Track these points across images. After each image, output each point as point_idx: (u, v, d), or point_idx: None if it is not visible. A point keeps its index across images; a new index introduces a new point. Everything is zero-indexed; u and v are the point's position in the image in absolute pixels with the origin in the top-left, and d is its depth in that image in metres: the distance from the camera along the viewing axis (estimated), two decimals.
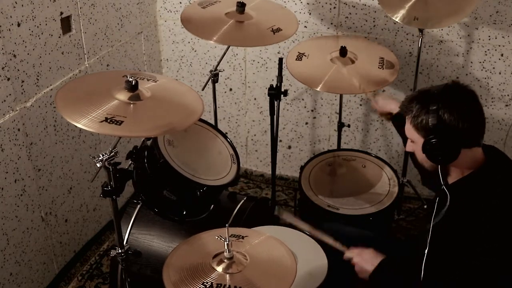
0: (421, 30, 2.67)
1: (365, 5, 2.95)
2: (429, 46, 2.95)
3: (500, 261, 1.71)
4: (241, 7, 2.49)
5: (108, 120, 1.68)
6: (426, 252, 1.83)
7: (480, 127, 1.78)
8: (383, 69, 2.58)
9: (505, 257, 1.71)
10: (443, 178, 1.83)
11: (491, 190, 1.77)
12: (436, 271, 1.79)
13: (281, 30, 2.48)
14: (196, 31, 2.43)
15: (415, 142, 1.83)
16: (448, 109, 1.72)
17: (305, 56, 2.62)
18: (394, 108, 2.33)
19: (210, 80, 2.71)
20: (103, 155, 1.80)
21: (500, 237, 1.70)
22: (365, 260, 1.95)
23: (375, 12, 2.95)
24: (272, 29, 2.46)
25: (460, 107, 1.73)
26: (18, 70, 2.31)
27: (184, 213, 2.23)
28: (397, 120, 2.30)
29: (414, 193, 3.13)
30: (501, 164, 1.84)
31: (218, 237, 1.76)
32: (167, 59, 3.42)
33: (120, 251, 2.01)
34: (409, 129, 1.83)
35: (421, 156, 1.83)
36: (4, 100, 2.27)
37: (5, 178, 2.33)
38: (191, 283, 1.65)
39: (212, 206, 2.28)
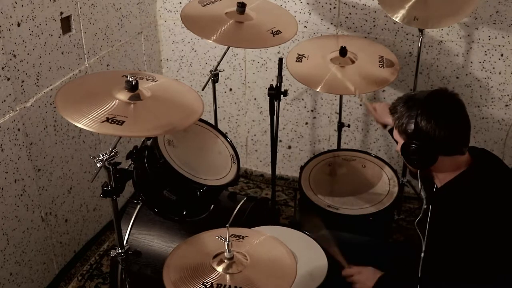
0: (421, 30, 2.67)
1: (365, 5, 2.95)
2: (429, 46, 2.95)
3: (486, 262, 1.71)
4: (241, 7, 2.48)
5: (110, 120, 1.68)
6: (422, 255, 1.84)
7: (460, 137, 1.77)
8: (383, 67, 2.58)
9: (491, 258, 1.72)
10: (429, 181, 1.84)
11: (472, 193, 1.77)
12: (433, 272, 1.80)
13: (281, 32, 2.47)
14: (195, 29, 2.42)
15: (399, 143, 1.84)
16: (426, 116, 1.73)
17: (305, 57, 2.62)
18: (390, 122, 2.33)
19: (210, 80, 2.71)
20: (103, 155, 1.79)
21: (481, 241, 1.70)
22: (365, 277, 1.98)
23: (375, 12, 2.95)
24: (272, 31, 2.46)
25: (439, 115, 1.73)
26: (18, 70, 2.31)
27: (184, 213, 2.23)
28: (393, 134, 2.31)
29: (414, 193, 3.14)
30: (486, 167, 1.83)
31: (218, 237, 1.76)
32: (167, 59, 3.42)
33: (120, 251, 2.01)
34: (394, 130, 1.84)
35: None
36: (4, 100, 2.27)
37: (5, 178, 2.33)
38: (191, 283, 1.65)
39: (212, 206, 2.28)
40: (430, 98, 1.78)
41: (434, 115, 1.73)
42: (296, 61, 2.61)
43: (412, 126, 1.74)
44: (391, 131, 2.35)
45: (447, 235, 1.75)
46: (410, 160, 1.79)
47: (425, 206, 1.89)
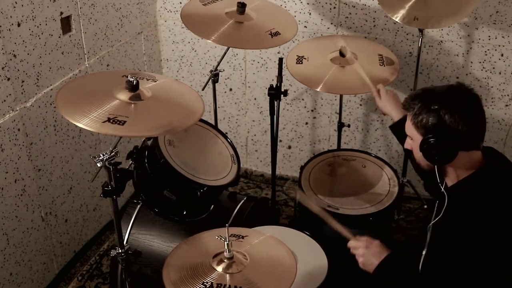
0: (421, 30, 2.67)
1: (365, 5, 2.95)
2: (429, 46, 2.95)
3: (497, 264, 1.71)
4: (241, 7, 2.48)
5: (111, 120, 1.68)
6: (423, 253, 1.83)
7: (480, 131, 1.77)
8: (384, 65, 2.58)
9: (501, 260, 1.71)
10: (440, 179, 1.83)
11: (489, 192, 1.76)
12: (434, 272, 1.79)
13: (280, 34, 2.47)
14: (195, 29, 2.42)
15: (414, 140, 1.83)
16: (450, 110, 1.71)
17: (305, 59, 2.62)
18: (394, 113, 2.31)
19: (210, 80, 2.71)
20: (103, 155, 1.80)
21: (498, 240, 1.70)
22: (372, 253, 1.92)
23: (375, 12, 2.95)
24: (271, 32, 2.45)
25: (462, 109, 1.72)
26: (18, 70, 2.31)
27: (184, 213, 2.24)
28: (396, 129, 2.29)
29: (414, 193, 3.13)
30: (500, 166, 1.83)
31: (218, 237, 1.76)
32: (167, 59, 3.42)
33: (120, 251, 2.01)
34: (409, 127, 1.83)
35: (418, 155, 1.83)
36: (4, 100, 2.27)
37: (5, 178, 2.33)
38: (191, 283, 1.66)
39: (212, 206, 2.28)
40: (451, 92, 1.77)
41: (458, 109, 1.72)
42: (296, 63, 2.60)
43: (435, 120, 1.72)
44: (392, 127, 2.34)
45: (457, 232, 1.74)
46: (430, 155, 1.78)
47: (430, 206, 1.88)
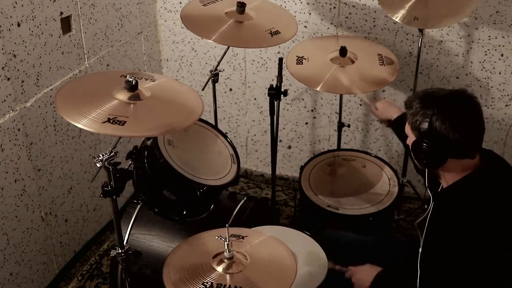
0: (421, 30, 2.67)
1: (365, 5, 2.95)
2: (429, 46, 2.95)
3: (480, 268, 1.71)
4: (241, 7, 2.48)
5: (111, 121, 1.68)
6: (420, 251, 1.83)
7: (473, 141, 1.74)
8: (384, 65, 2.58)
9: (485, 264, 1.71)
10: (435, 180, 1.83)
11: (476, 197, 1.75)
12: (430, 272, 1.79)
13: (280, 33, 2.47)
14: (195, 29, 2.43)
15: (410, 139, 1.82)
16: (442, 117, 1.69)
17: (305, 59, 2.62)
18: (393, 113, 2.31)
19: (210, 80, 2.71)
20: (103, 155, 1.80)
21: (479, 244, 1.69)
22: (360, 276, 1.97)
23: (375, 12, 2.95)
24: (271, 31, 2.46)
25: (454, 117, 1.70)
26: (18, 70, 2.31)
27: (184, 213, 2.24)
28: (396, 125, 2.29)
29: (414, 193, 3.13)
30: (493, 171, 1.81)
31: (218, 237, 1.76)
32: (167, 59, 3.42)
33: (120, 251, 2.01)
34: (407, 125, 1.83)
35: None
36: (4, 100, 2.27)
37: (5, 178, 2.33)
38: (191, 283, 1.66)
39: (212, 206, 2.29)
40: (448, 99, 1.74)
41: (450, 117, 1.69)
42: (296, 63, 2.60)
43: (426, 125, 1.70)
44: (392, 124, 2.34)
45: (447, 236, 1.74)
46: (419, 158, 1.77)
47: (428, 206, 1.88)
